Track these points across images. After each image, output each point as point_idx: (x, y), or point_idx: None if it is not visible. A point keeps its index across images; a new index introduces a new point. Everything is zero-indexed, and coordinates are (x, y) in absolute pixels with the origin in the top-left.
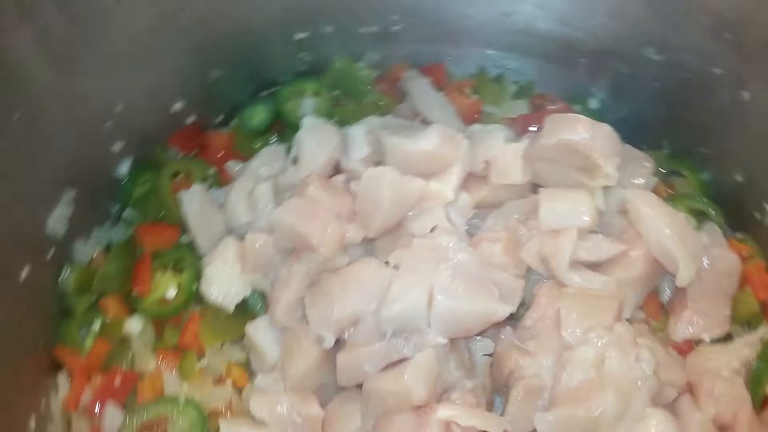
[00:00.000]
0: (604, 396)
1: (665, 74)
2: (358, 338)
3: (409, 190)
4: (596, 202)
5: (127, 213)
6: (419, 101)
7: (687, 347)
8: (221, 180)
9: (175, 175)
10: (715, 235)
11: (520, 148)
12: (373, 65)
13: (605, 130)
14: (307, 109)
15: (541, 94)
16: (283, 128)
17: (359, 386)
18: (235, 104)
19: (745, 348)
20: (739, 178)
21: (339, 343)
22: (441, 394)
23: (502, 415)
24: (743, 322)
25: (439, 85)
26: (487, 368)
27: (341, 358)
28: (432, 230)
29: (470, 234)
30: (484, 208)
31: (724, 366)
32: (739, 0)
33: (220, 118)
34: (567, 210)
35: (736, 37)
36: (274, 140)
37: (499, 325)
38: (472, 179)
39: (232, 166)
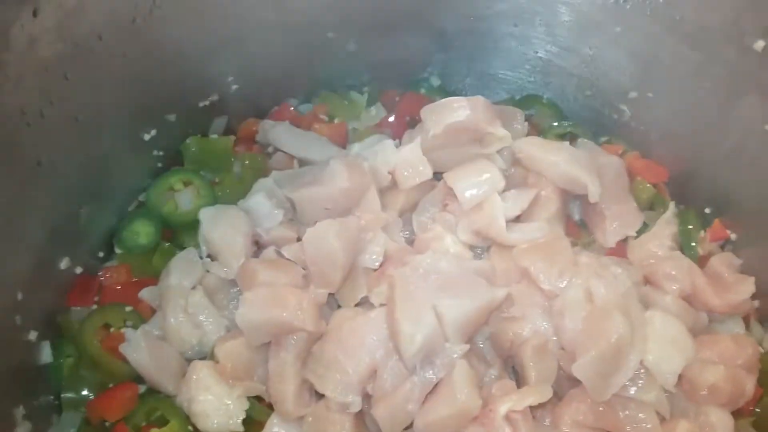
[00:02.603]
0: (613, 321)
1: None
2: (386, 386)
3: (352, 232)
4: (498, 164)
5: (67, 396)
6: (290, 146)
7: (620, 249)
8: (143, 314)
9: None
10: (590, 147)
11: (417, 146)
12: (223, 132)
13: (480, 101)
14: (186, 201)
15: (385, 91)
16: (172, 232)
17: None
18: (109, 233)
19: (666, 226)
20: (588, 92)
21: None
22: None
23: (521, 381)
24: (648, 207)
25: (296, 123)
26: (491, 350)
27: (379, 412)
28: (383, 257)
29: (409, 242)
30: (404, 215)
31: (660, 248)
32: None
33: (101, 255)
34: (479, 182)
35: None
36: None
37: None
38: (384, 193)
39: (147, 294)
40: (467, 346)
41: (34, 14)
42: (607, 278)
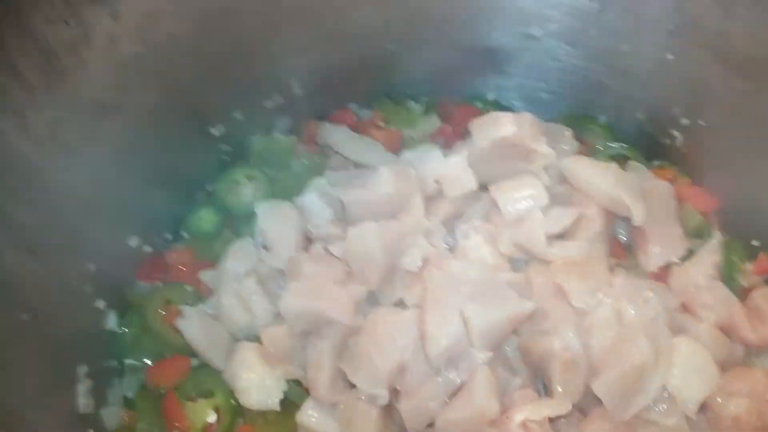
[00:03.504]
0: (639, 344)
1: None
2: (413, 383)
3: (393, 234)
4: (543, 180)
5: (129, 362)
6: (346, 149)
7: (662, 274)
8: (201, 294)
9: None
10: (640, 171)
11: (463, 158)
12: (287, 132)
13: (527, 117)
14: (248, 195)
15: (441, 102)
16: (234, 221)
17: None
18: (177, 218)
19: (710, 255)
20: (641, 116)
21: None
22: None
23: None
24: (694, 234)
25: (354, 128)
26: (519, 360)
27: (405, 406)
28: (422, 261)
29: (450, 250)
30: (448, 223)
31: (702, 276)
32: None
33: (169, 237)
34: (523, 197)
35: None
36: (225, 236)
37: None
38: (429, 200)
39: (206, 276)
40: (491, 354)
41: (115, 18)
42: (637, 301)
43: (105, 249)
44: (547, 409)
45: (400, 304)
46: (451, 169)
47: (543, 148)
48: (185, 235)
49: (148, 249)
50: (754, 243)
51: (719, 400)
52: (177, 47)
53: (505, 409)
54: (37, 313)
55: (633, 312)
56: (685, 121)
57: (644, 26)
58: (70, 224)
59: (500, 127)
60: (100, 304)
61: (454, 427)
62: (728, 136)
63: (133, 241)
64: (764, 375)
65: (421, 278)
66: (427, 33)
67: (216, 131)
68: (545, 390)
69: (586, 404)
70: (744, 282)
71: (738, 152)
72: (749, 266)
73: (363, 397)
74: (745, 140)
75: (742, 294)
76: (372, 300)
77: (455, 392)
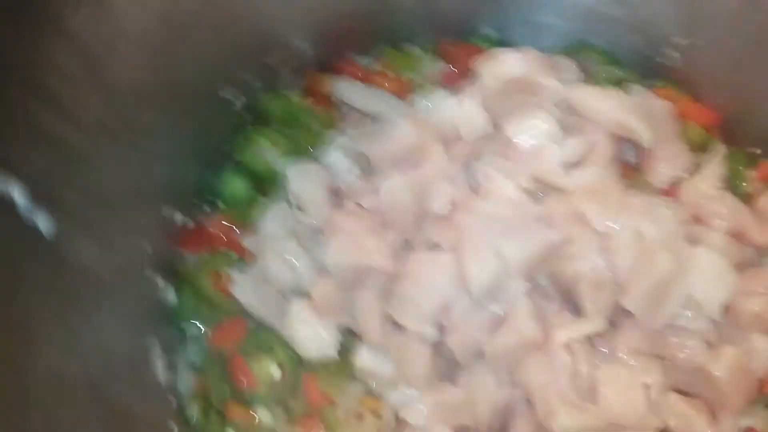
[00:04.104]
0: (661, 258)
1: None
2: (458, 319)
3: (421, 185)
4: (553, 113)
5: (191, 331)
6: (362, 103)
7: (673, 190)
8: (246, 259)
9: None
10: (642, 92)
11: (475, 100)
12: (292, 86)
13: (532, 53)
14: (273, 158)
15: (441, 43)
16: (264, 184)
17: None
18: (212, 189)
19: (716, 167)
20: (637, 38)
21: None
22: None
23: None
24: (699, 148)
25: (361, 79)
26: (551, 287)
27: (453, 340)
28: (450, 205)
29: (474, 190)
30: (469, 163)
31: (710, 188)
32: None
33: (207, 209)
34: (536, 130)
35: None
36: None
37: None
38: (448, 144)
39: (248, 242)
40: (528, 284)
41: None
42: (655, 219)
43: (154, 228)
44: (586, 327)
45: (435, 247)
46: (465, 112)
47: (551, 81)
48: (222, 205)
49: (190, 223)
50: (756, 151)
51: (740, 299)
52: (193, 23)
53: (546, 333)
54: (105, 295)
55: (652, 230)
56: (680, 41)
57: None
58: (119, 208)
59: (507, 66)
60: (159, 281)
61: (502, 355)
62: (725, 51)
63: (177, 217)
64: None
65: (453, 223)
66: None
67: (227, 94)
68: (578, 311)
69: (618, 318)
70: (749, 188)
71: (735, 67)
72: (753, 173)
73: (413, 337)
74: (741, 55)
75: (748, 200)
76: (408, 247)
77: (499, 322)
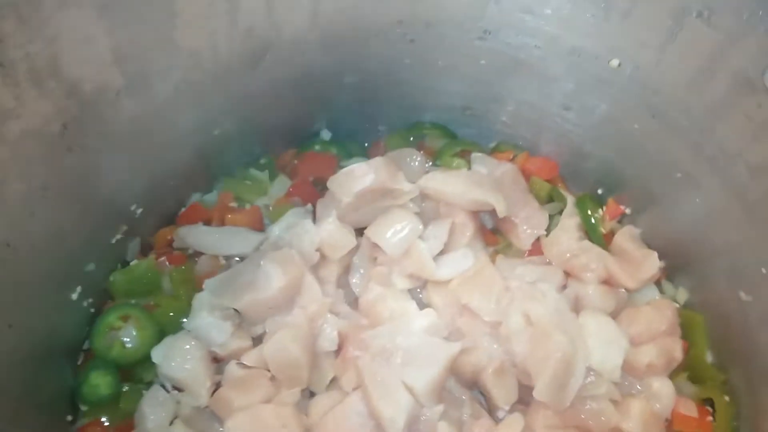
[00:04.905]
0: (554, 338)
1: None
2: None
3: (304, 329)
4: (411, 209)
5: None
6: (211, 247)
7: (536, 248)
8: None
9: None
10: (485, 160)
11: (334, 220)
12: (139, 250)
13: (379, 161)
14: (130, 337)
15: (280, 155)
16: (128, 371)
17: None
18: (68, 397)
19: (570, 218)
20: (467, 112)
21: None
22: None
23: (489, 404)
24: (547, 200)
25: (209, 219)
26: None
27: None
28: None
29: (352, 303)
30: (341, 283)
31: (570, 240)
32: None
33: (70, 417)
34: (399, 232)
35: None
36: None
37: None
38: (317, 268)
39: None
40: (441, 406)
41: None
42: (538, 298)
43: None
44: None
45: (334, 385)
46: (327, 233)
47: (405, 185)
48: (84, 408)
49: None
50: (600, 191)
51: (631, 354)
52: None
53: None
54: None
55: (538, 309)
56: (510, 107)
57: (454, 41)
58: None
59: (358, 180)
60: None
61: None
62: (551, 109)
63: None
64: (651, 309)
65: (350, 359)
66: (251, 105)
67: (75, 294)
68: (484, 398)
69: (526, 395)
70: (603, 229)
71: (562, 119)
72: (602, 213)
73: None
74: (566, 110)
75: (606, 239)
76: (305, 391)
77: None
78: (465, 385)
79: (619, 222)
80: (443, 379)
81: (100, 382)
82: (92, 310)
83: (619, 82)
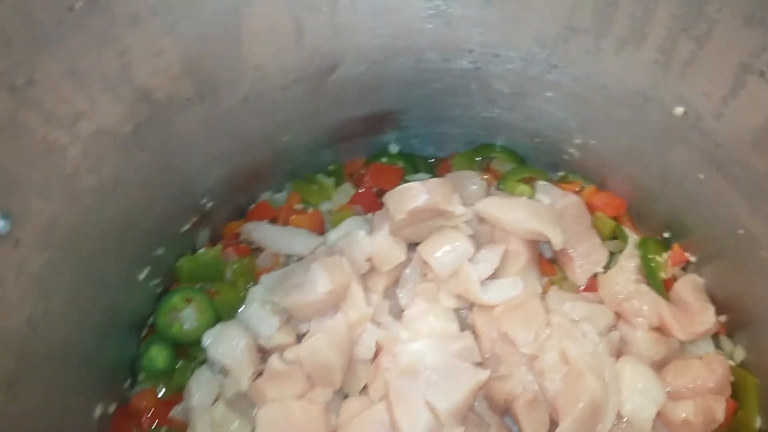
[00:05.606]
0: (586, 381)
1: (438, 104)
2: None
3: (343, 335)
4: (464, 231)
5: None
6: (272, 244)
7: (591, 284)
8: (176, 429)
9: None
10: (548, 189)
11: (386, 233)
12: (208, 243)
13: (435, 182)
14: (191, 318)
15: (349, 163)
16: (185, 348)
17: None
18: (129, 365)
19: (629, 259)
20: (537, 140)
21: None
22: None
23: None
24: (610, 238)
25: (274, 218)
26: (487, 409)
27: None
28: (376, 347)
29: (396, 315)
30: (388, 294)
31: (627, 282)
32: None
33: (128, 385)
34: (449, 252)
35: None
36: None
37: None
38: (365, 278)
39: (176, 412)
40: (462, 428)
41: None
42: (577, 337)
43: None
44: None
45: (364, 391)
46: (378, 245)
47: (457, 209)
48: (142, 377)
49: (113, 408)
50: (666, 235)
51: (668, 407)
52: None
53: None
54: None
55: (575, 349)
56: (578, 141)
57: (518, 73)
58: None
59: (412, 198)
60: None
61: None
62: (620, 150)
63: (97, 411)
64: (702, 365)
65: (380, 371)
66: (319, 118)
67: (142, 275)
68: (517, 429)
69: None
70: (664, 274)
71: (632, 163)
72: (666, 258)
73: None
74: (635, 153)
75: (666, 285)
76: (339, 392)
77: None
78: (496, 410)
79: (684, 269)
80: (467, 404)
81: (158, 356)
82: (159, 289)
83: (685, 130)
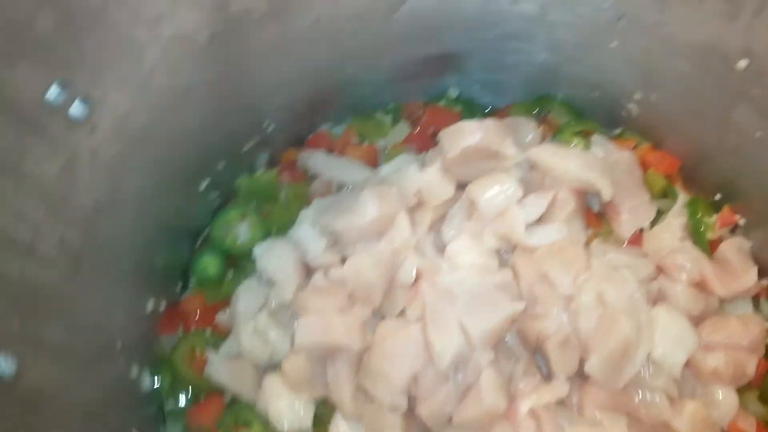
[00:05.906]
0: (621, 323)
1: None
2: (427, 389)
3: (386, 258)
4: (514, 175)
5: (169, 409)
6: (326, 172)
7: (637, 239)
8: (220, 334)
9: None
10: (603, 144)
11: (437, 168)
12: (267, 163)
13: (491, 123)
14: (244, 233)
15: (407, 105)
16: (235, 260)
17: None
18: (182, 269)
19: (677, 217)
20: (596, 93)
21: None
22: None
23: (547, 370)
24: (661, 196)
25: (330, 149)
26: (519, 345)
27: (423, 410)
28: (416, 273)
29: (441, 250)
30: (433, 228)
31: (672, 238)
32: None
33: (179, 288)
34: (498, 192)
35: None
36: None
37: None
38: (413, 211)
39: (221, 316)
40: (492, 354)
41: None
42: (616, 282)
43: (125, 320)
44: (548, 394)
45: (404, 314)
46: (427, 180)
47: (509, 150)
48: (193, 282)
49: (163, 305)
50: (717, 197)
51: (699, 356)
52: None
53: (512, 400)
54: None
55: (613, 292)
56: (638, 96)
57: (586, 21)
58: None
59: (467, 136)
60: (134, 369)
61: (469, 424)
62: (679, 107)
63: (150, 304)
64: (739, 322)
65: (419, 292)
66: (384, 53)
67: (203, 185)
68: (546, 366)
69: (585, 375)
70: (712, 235)
71: (690, 121)
72: (714, 219)
73: (385, 407)
74: (694, 111)
75: (712, 246)
76: (377, 316)
77: (466, 392)
78: (527, 347)
79: (732, 232)
80: (501, 332)
81: (210, 264)
82: (216, 203)
83: (747, 84)
